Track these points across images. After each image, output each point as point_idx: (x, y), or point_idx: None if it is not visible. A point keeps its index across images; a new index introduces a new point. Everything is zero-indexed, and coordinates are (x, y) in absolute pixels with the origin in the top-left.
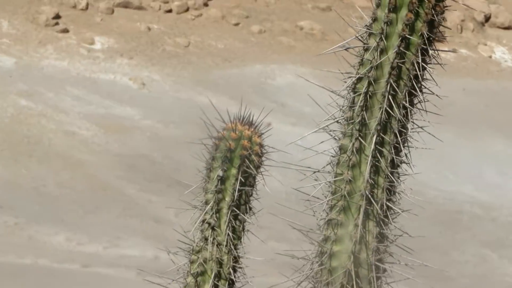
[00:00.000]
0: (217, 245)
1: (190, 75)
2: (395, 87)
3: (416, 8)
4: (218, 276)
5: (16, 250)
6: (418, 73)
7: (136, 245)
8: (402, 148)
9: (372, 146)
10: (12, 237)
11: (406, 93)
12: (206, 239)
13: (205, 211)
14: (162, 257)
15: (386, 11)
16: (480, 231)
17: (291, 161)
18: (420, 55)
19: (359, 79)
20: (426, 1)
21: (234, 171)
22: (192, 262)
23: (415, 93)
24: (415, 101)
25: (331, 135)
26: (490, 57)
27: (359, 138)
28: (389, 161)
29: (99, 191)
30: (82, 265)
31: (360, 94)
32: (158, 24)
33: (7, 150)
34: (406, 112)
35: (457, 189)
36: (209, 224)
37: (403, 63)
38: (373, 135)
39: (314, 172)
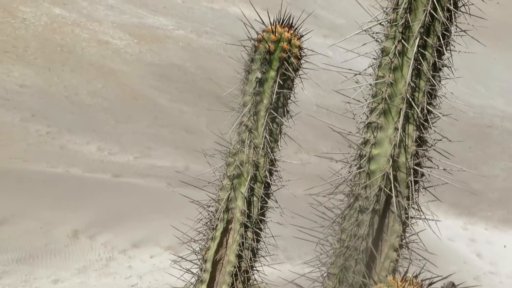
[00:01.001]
0: (254, 148)
1: None
2: None
3: None
4: (254, 178)
5: (47, 159)
6: None
7: (167, 155)
8: (445, 51)
9: (415, 49)
10: (44, 146)
11: None
12: (243, 142)
13: (242, 114)
14: (192, 167)
15: None
16: (510, 145)
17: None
18: None
19: None
20: None
21: (272, 73)
22: (228, 165)
23: None
24: (459, 3)
25: (374, 37)
26: None
27: (402, 40)
28: (431, 64)
29: (131, 100)
30: (113, 174)
31: None
32: None
33: (40, 58)
34: (450, 15)
35: (487, 103)
36: (247, 126)
37: None
38: (416, 38)
39: (355, 74)
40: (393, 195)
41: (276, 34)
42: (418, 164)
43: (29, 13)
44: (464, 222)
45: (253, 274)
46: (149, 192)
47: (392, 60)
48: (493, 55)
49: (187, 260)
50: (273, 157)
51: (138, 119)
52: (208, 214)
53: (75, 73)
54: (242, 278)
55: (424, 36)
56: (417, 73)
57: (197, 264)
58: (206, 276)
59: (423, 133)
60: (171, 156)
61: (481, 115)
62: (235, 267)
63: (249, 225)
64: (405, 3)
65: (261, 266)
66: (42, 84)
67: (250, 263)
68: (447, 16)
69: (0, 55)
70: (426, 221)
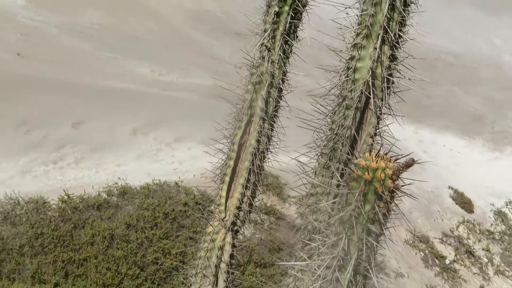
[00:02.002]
0: (271, 62)
1: None
2: None
3: None
4: (270, 84)
5: (113, 77)
6: None
7: (200, 76)
8: None
9: None
10: (112, 68)
11: None
12: (263, 58)
13: (263, 37)
14: (219, 86)
15: None
16: (450, 74)
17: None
18: None
19: None
20: None
21: (287, 8)
22: (252, 74)
23: None
24: None
25: None
26: None
27: None
28: (402, 0)
29: (175, 36)
30: (161, 89)
31: None
32: None
33: (106, 4)
34: None
35: (435, 42)
36: (266, 46)
37: None
38: None
39: (346, 8)
40: (371, 97)
41: None
42: (390, 75)
43: None
44: (415, 127)
45: (268, 154)
46: (187, 102)
47: None
48: (439, 7)
49: (220, 143)
50: (285, 69)
51: (180, 49)
52: (236, 110)
53: (133, 15)
54: (259, 157)
55: None
56: (392, 7)
57: (227, 146)
58: (233, 155)
59: (394, 52)
60: (203, 76)
61: (430, 50)
62: (254, 148)
63: (266, 118)
64: None
65: (274, 148)
66: (108, 23)
67: (266, 146)
68: None
69: (75, 1)
70: (393, 116)
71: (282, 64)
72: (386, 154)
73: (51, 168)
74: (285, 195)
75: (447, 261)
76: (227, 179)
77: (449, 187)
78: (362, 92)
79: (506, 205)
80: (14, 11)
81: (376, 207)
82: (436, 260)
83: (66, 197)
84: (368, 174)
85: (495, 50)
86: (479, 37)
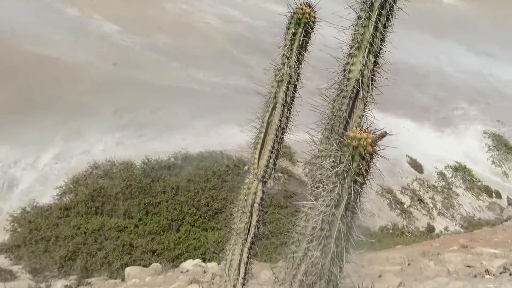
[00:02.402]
0: (289, 67)
1: None
2: None
3: None
4: (288, 82)
5: (180, 80)
6: None
7: (237, 79)
8: (391, 18)
9: (375, 17)
10: (178, 73)
11: None
12: (284, 64)
13: (284, 49)
14: (250, 85)
15: None
16: (409, 78)
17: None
18: None
19: None
20: None
21: (300, 29)
22: (276, 75)
23: None
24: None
25: (354, 10)
26: None
27: (369, 11)
28: (383, 25)
29: (220, 51)
30: (211, 88)
31: None
32: None
33: (173, 29)
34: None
35: (399, 55)
36: (286, 56)
37: None
38: (376, 10)
39: (344, 29)
40: (361, 90)
41: (303, 10)
42: (373, 75)
43: (168, 4)
44: (384, 114)
45: (286, 130)
46: (228, 96)
47: (363, 21)
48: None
49: (254, 121)
50: (299, 71)
51: (223, 61)
52: (265, 100)
53: (190, 37)
54: (281, 131)
55: (380, 10)
56: (376, 29)
57: (259, 124)
58: (263, 130)
59: (377, 60)
60: (240, 79)
61: (396, 60)
62: (277, 125)
63: (285, 105)
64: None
65: (291, 126)
66: (173, 42)
67: (285, 124)
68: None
69: (149, 28)
70: (374, 104)
71: (297, 68)
72: (367, 129)
73: (136, 141)
74: (294, 160)
75: (405, 206)
76: (258, 146)
77: (406, 155)
78: (354, 87)
79: (445, 168)
80: (110, 34)
81: (360, 164)
82: (398, 205)
83: (146, 160)
84: (355, 142)
85: (439, 63)
86: (428, 53)
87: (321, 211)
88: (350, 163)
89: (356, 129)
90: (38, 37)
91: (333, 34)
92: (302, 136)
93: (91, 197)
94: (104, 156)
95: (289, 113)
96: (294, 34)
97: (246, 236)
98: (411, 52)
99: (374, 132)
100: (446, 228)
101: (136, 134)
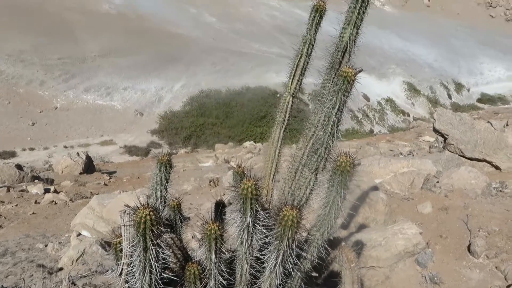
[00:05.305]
0: (310, 34)
1: None
2: None
3: None
4: (310, 43)
5: (244, 47)
6: None
7: (276, 48)
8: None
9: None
10: (243, 44)
11: None
12: (307, 32)
13: (308, 25)
14: (283, 52)
15: None
16: (384, 60)
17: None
18: None
19: None
20: None
21: (317, 14)
22: (302, 39)
23: None
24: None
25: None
26: None
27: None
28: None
29: (268, 34)
30: (262, 53)
31: None
32: None
33: (217, 15)
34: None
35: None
36: (309, 28)
37: None
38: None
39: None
40: (348, 46)
41: (319, 3)
42: (355, 39)
43: (242, 8)
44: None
45: (307, 70)
46: (274, 55)
47: (352, 9)
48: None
49: (288, 65)
50: (315, 37)
51: (269, 38)
52: (295, 53)
53: (254, 26)
54: (304, 70)
55: (361, 3)
56: (358, 13)
57: (291, 66)
58: (294, 68)
59: (358, 31)
60: (277, 48)
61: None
62: (302, 66)
63: (307, 56)
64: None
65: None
66: (243, 28)
67: (306, 66)
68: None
69: (231, 20)
70: (354, 55)
71: (314, 35)
72: (351, 67)
73: (222, 79)
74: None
75: (359, 118)
76: (292, 76)
77: (361, 92)
78: (345, 45)
79: (381, 99)
80: (211, 22)
81: (347, 84)
82: (355, 118)
83: (228, 89)
84: (345, 73)
85: (381, 43)
86: (375, 37)
87: (325, 110)
88: (342, 84)
89: (345, 67)
90: (172, 22)
91: (336, 16)
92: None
93: (198, 107)
94: (207, 87)
95: (308, 60)
96: (314, 16)
97: (282, 124)
98: (366, 37)
99: (355, 69)
100: (379, 131)
101: (222, 75)
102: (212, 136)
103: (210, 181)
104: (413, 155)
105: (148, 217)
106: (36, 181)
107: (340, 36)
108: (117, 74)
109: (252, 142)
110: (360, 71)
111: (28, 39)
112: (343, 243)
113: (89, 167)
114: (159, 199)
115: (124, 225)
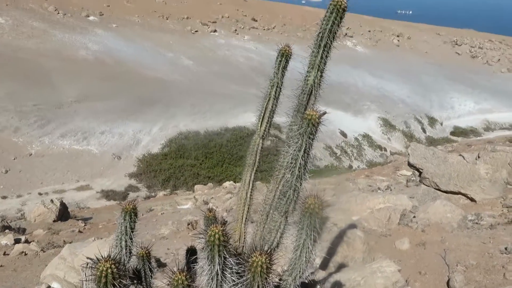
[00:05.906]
0: (277, 78)
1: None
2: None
3: None
4: (277, 86)
5: (223, 89)
6: None
7: (252, 89)
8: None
9: (322, 49)
10: (221, 86)
11: None
12: (274, 76)
13: (274, 68)
14: (259, 93)
15: None
16: (334, 93)
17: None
18: None
19: None
20: None
21: (283, 58)
22: (270, 82)
23: None
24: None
25: (309, 46)
26: None
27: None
28: (329, 49)
29: (244, 75)
30: (239, 93)
31: None
32: None
33: (205, 62)
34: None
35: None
36: (276, 72)
37: None
38: (325, 42)
39: (304, 57)
40: (313, 90)
41: (284, 48)
42: (320, 82)
43: (218, 51)
44: (325, 107)
45: (275, 113)
46: (251, 96)
47: (315, 53)
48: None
49: (258, 109)
50: (282, 81)
51: (245, 79)
52: (264, 96)
53: (230, 67)
54: (272, 112)
55: (324, 48)
56: (321, 58)
57: (260, 109)
58: (263, 111)
59: (322, 74)
60: (253, 89)
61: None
62: (270, 109)
63: (275, 98)
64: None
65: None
66: (220, 70)
67: (274, 108)
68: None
69: (208, 63)
70: (320, 98)
71: (281, 78)
72: (316, 110)
73: (201, 121)
74: (282, 130)
75: (337, 155)
76: (260, 119)
77: (338, 129)
78: (310, 88)
79: (358, 135)
80: (189, 65)
81: (312, 127)
82: (334, 154)
83: (206, 130)
84: (309, 116)
85: (355, 81)
86: (349, 76)
87: (291, 153)
88: (307, 126)
89: (310, 110)
90: (150, 66)
91: (300, 61)
92: (284, 116)
93: (177, 149)
94: (185, 128)
95: (276, 102)
96: (280, 60)
97: (253, 167)
98: (340, 75)
99: (320, 111)
100: (358, 166)
101: (201, 117)
102: (192, 177)
103: (189, 224)
104: (390, 190)
105: (109, 270)
106: (6, 231)
107: (305, 80)
108: (94, 118)
109: (232, 182)
110: (324, 113)
111: (2, 86)
112: (318, 287)
113: (64, 214)
114: (124, 249)
115: (85, 280)
